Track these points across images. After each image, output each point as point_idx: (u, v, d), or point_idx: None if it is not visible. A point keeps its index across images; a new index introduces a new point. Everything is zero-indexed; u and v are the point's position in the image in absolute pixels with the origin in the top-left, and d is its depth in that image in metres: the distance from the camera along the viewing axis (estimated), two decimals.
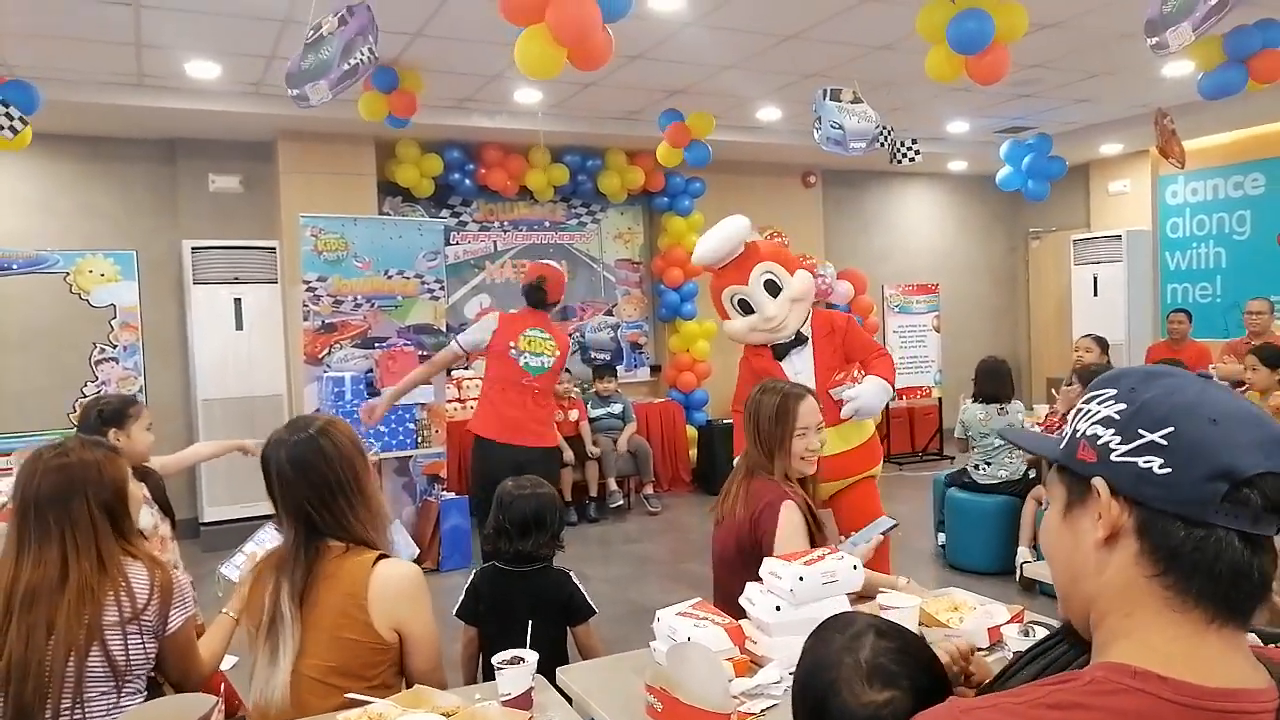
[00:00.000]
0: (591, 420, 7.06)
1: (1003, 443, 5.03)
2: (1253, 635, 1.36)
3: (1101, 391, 0.87)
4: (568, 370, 7.20)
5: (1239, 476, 0.77)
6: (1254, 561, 0.78)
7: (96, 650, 1.82)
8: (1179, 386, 0.83)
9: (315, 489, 1.89)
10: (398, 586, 1.90)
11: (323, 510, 1.90)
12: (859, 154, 5.07)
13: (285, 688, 1.82)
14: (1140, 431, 0.81)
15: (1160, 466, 0.79)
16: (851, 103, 4.98)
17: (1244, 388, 5.06)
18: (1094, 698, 0.78)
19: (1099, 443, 0.84)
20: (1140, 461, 0.80)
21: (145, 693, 1.91)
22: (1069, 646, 0.94)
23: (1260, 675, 0.81)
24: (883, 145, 5.24)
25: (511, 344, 4.31)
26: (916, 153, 5.90)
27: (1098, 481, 0.83)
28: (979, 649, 2.05)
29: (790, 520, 2.40)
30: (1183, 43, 3.54)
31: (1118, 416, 0.83)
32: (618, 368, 7.70)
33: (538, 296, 4.44)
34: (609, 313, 8.13)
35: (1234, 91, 4.86)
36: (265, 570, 1.95)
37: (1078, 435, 0.87)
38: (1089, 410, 0.86)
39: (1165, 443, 0.80)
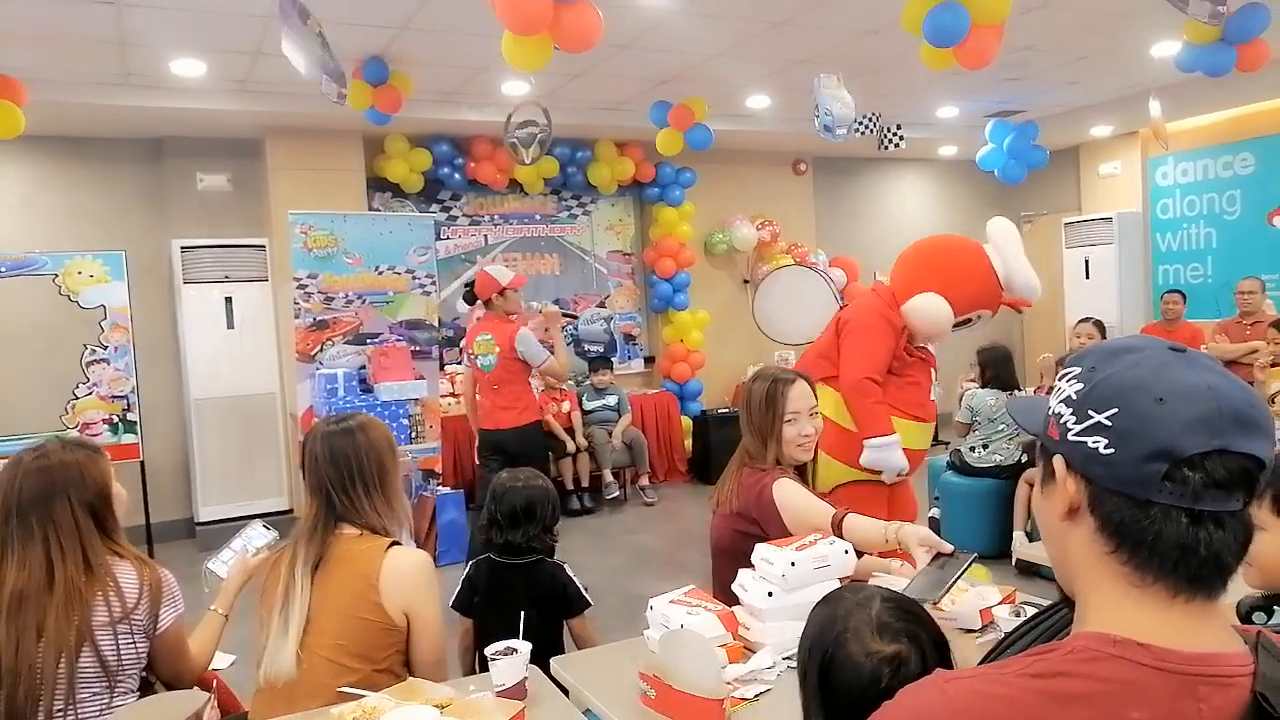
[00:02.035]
0: (587, 412, 7.06)
1: (1002, 428, 5.05)
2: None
3: (1070, 370, 0.88)
4: None
5: (1177, 456, 0.78)
6: (1200, 536, 0.79)
7: (87, 651, 1.82)
8: (1137, 363, 0.83)
9: (339, 473, 2.02)
10: (410, 571, 1.98)
11: (341, 493, 2.02)
12: (842, 140, 5.10)
13: (293, 656, 1.87)
14: (1090, 412, 0.83)
15: (1105, 447, 0.81)
16: (836, 89, 5.01)
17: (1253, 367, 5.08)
18: (1076, 665, 0.79)
19: (1060, 421, 0.86)
20: (1089, 441, 0.82)
21: (137, 692, 1.91)
22: (1070, 609, 0.95)
23: (1236, 641, 0.82)
24: (869, 131, 5.24)
25: (470, 351, 5.17)
26: (901, 139, 5.91)
27: (1056, 459, 0.86)
28: (971, 630, 2.05)
29: (788, 494, 2.38)
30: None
31: (1075, 396, 0.85)
32: (611, 360, 7.70)
33: (469, 298, 5.29)
34: (601, 305, 8.12)
35: (1220, 72, 4.86)
36: (283, 554, 2.03)
37: (1049, 413, 0.89)
38: (1059, 388, 0.88)
39: (1109, 424, 0.81)
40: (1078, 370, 0.87)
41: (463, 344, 5.13)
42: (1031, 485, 5.15)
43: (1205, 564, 0.79)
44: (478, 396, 5.38)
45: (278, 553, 2.08)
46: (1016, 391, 5.14)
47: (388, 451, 2.10)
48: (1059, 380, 0.89)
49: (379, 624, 1.94)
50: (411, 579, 1.98)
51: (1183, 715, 0.76)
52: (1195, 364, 0.83)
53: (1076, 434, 0.84)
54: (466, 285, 5.20)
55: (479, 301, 5.30)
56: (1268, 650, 0.81)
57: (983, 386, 5.21)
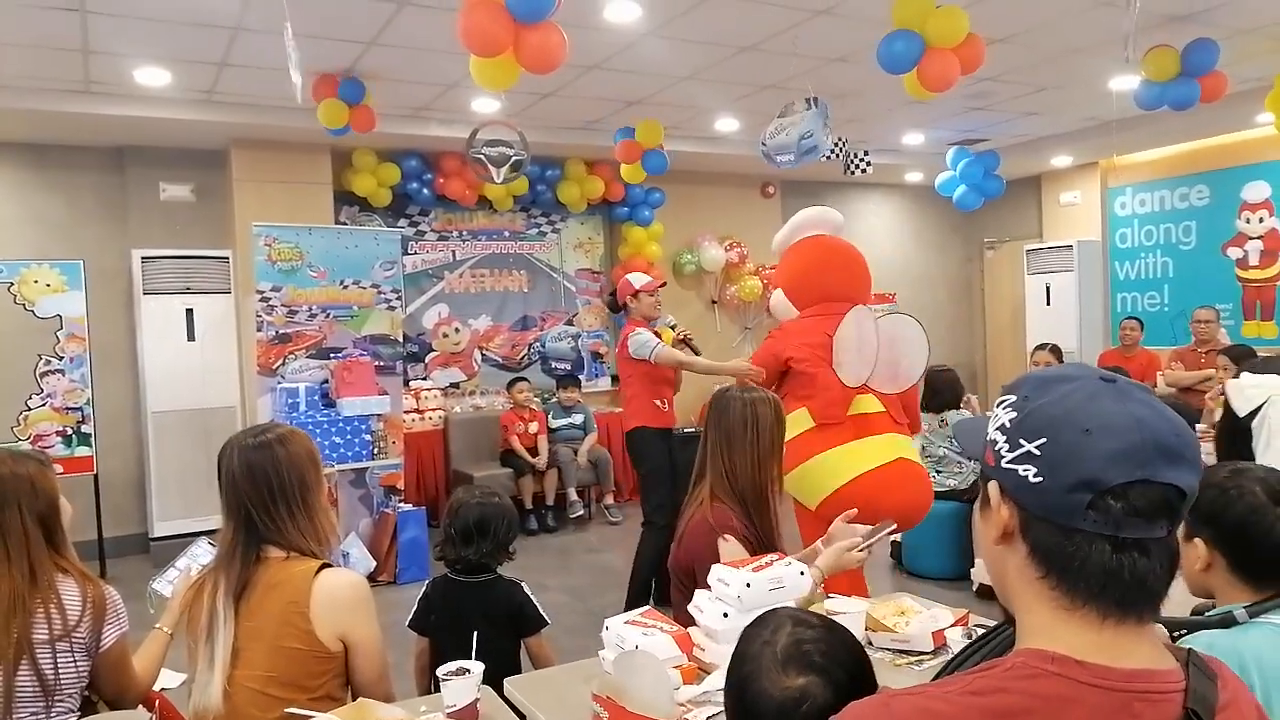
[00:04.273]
0: (553, 430, 7.03)
1: (944, 452, 5.11)
2: (1160, 627, 1.41)
3: (1006, 397, 0.91)
4: (526, 380, 7.21)
5: (1101, 487, 0.80)
6: (1124, 563, 0.81)
7: (26, 667, 1.78)
8: (1069, 393, 0.85)
9: (259, 492, 1.89)
10: (342, 595, 1.88)
11: (262, 513, 1.89)
12: (790, 166, 5.17)
13: (220, 690, 1.78)
14: (1021, 441, 0.85)
15: (1035, 475, 0.84)
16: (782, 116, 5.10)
17: (1211, 392, 5.17)
18: (1014, 682, 0.81)
19: (995, 448, 0.88)
20: (1020, 469, 0.85)
21: (78, 711, 1.87)
22: (1014, 628, 0.97)
23: (1167, 658, 0.84)
24: (835, 156, 5.30)
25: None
26: (868, 164, 5.98)
27: (991, 485, 0.89)
28: (923, 652, 2.06)
29: (730, 553, 2.37)
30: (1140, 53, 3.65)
31: (1009, 424, 0.88)
32: (579, 378, 7.69)
33: (613, 306, 5.08)
34: (569, 322, 8.11)
35: (1185, 105, 4.97)
36: (206, 581, 1.92)
37: (986, 439, 0.91)
38: (995, 415, 0.91)
39: (1039, 453, 0.84)
40: (1013, 399, 0.89)
41: None
42: None
43: (1131, 589, 0.82)
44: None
45: (201, 579, 1.95)
46: (946, 415, 5.17)
47: (309, 466, 1.96)
48: (996, 407, 0.92)
49: (311, 652, 1.84)
50: (344, 603, 1.87)
51: None
52: (1125, 396, 0.85)
53: (1009, 461, 0.86)
54: (610, 295, 5.14)
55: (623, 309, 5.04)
56: (1197, 668, 0.84)
57: (923, 410, 5.28)
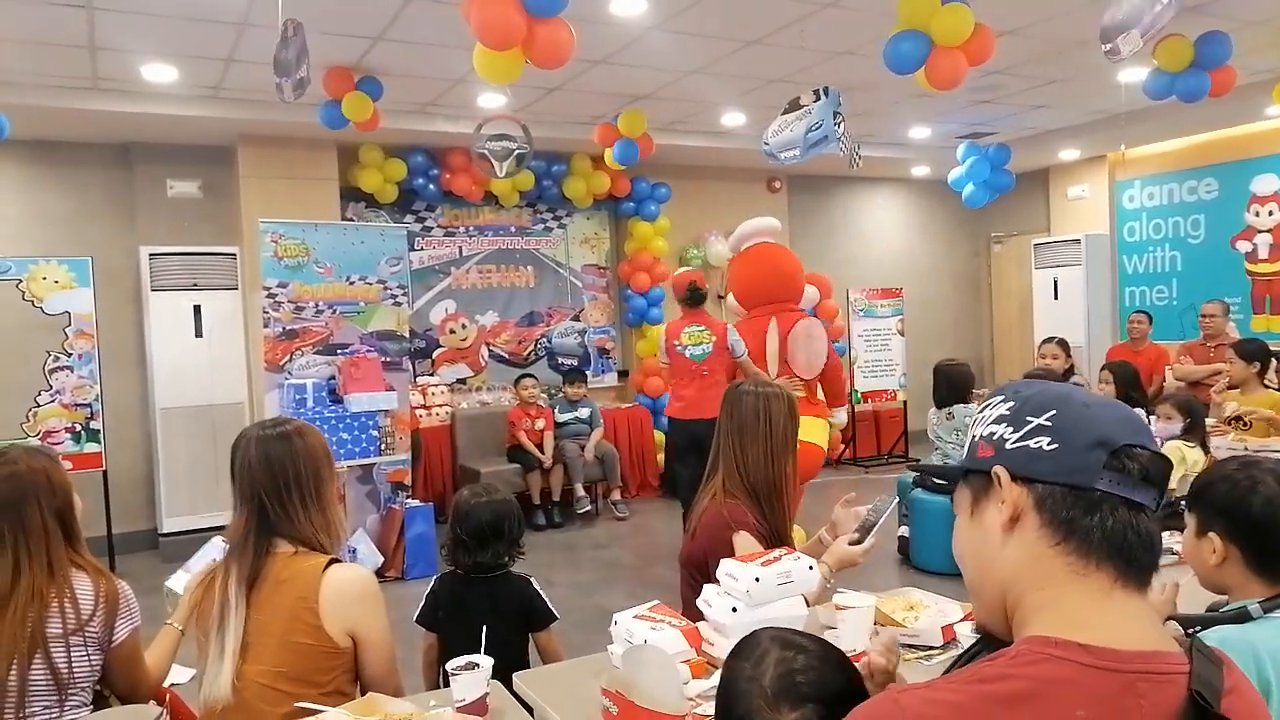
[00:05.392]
0: (559, 425, 7.04)
1: (951, 444, 5.11)
2: (1174, 624, 1.41)
3: (991, 400, 0.98)
4: (533, 376, 7.21)
5: (1114, 445, 0.88)
6: (1137, 522, 0.88)
7: (39, 661, 1.79)
8: (1053, 385, 0.97)
9: (273, 480, 1.90)
10: (350, 590, 1.88)
11: (276, 503, 1.90)
12: (797, 161, 5.16)
13: (229, 683, 1.79)
14: (1028, 419, 0.92)
15: (1049, 444, 0.90)
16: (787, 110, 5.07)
17: (1216, 386, 5.17)
18: (1019, 668, 0.83)
19: (994, 438, 0.94)
20: (1031, 443, 0.91)
21: (90, 705, 1.88)
22: (988, 650, 0.98)
23: (1171, 641, 0.87)
24: (844, 148, 5.27)
25: (676, 343, 5.37)
26: (859, 157, 5.95)
27: (998, 469, 0.92)
28: (932, 647, 2.06)
29: (744, 546, 2.36)
30: (1133, 48, 3.61)
31: (1008, 412, 0.94)
32: (586, 373, 7.69)
33: (698, 296, 5.36)
34: (576, 318, 8.12)
35: (1195, 97, 4.94)
36: (216, 573, 1.92)
37: (976, 440, 0.97)
38: (983, 416, 0.97)
39: (1050, 424, 0.91)
40: (1001, 398, 0.96)
41: (663, 347, 5.51)
42: None
43: (1143, 549, 0.88)
44: (672, 389, 5.58)
45: (212, 571, 1.96)
46: (952, 410, 5.16)
47: (324, 459, 1.99)
48: (980, 412, 0.97)
49: (319, 648, 1.84)
50: (353, 598, 1.88)
51: (1124, 711, 0.80)
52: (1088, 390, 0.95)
53: (1016, 441, 0.92)
54: (688, 289, 5.37)
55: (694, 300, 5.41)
56: (1201, 652, 0.86)
57: (935, 405, 5.29)
